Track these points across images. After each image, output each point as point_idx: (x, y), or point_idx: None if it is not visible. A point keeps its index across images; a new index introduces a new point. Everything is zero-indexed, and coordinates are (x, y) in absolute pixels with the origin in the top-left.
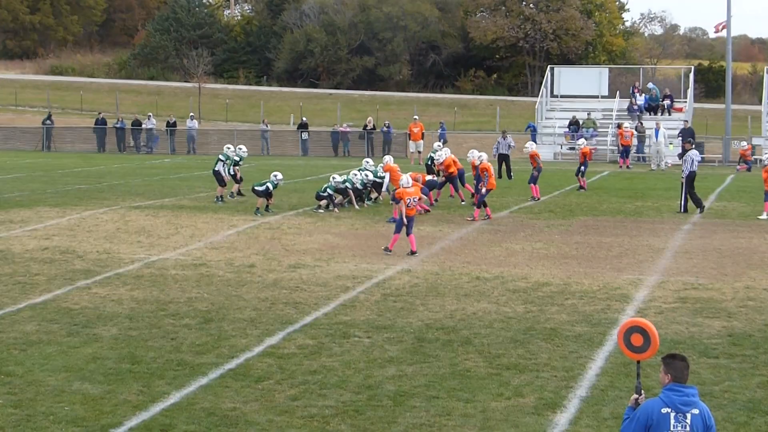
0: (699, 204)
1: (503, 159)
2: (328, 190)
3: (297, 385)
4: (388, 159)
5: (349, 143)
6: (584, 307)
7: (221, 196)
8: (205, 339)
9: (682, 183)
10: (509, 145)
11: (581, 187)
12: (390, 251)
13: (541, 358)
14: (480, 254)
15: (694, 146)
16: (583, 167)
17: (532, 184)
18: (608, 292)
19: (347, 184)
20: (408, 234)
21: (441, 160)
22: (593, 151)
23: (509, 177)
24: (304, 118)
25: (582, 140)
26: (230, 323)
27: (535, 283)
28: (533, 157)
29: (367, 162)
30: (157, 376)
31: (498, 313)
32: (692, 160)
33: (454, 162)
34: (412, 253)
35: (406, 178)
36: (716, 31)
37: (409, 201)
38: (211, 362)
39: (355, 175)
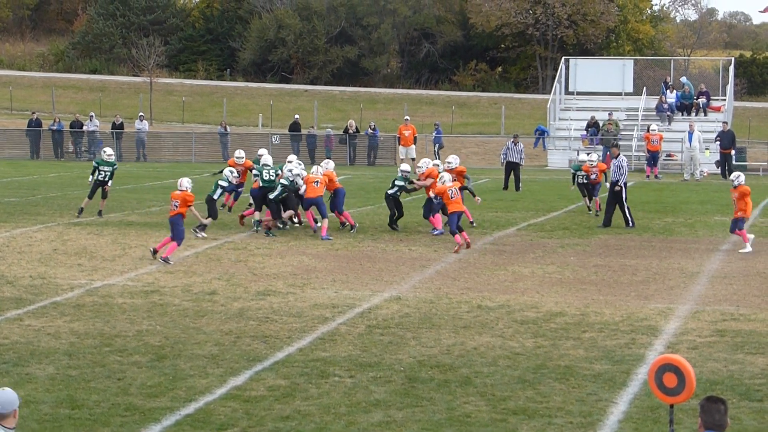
0: (608, 222)
1: (512, 168)
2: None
3: None
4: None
5: (332, 150)
6: (605, 341)
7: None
8: (158, 379)
9: (617, 194)
10: (520, 153)
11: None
12: (155, 252)
13: (554, 402)
14: (482, 279)
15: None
16: (598, 186)
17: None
18: (633, 323)
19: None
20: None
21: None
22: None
23: (517, 188)
24: (297, 116)
25: (595, 156)
26: (187, 361)
27: (547, 312)
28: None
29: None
30: (102, 423)
31: (503, 349)
32: (623, 168)
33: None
34: (154, 251)
35: (180, 181)
36: (763, 11)
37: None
38: (164, 407)
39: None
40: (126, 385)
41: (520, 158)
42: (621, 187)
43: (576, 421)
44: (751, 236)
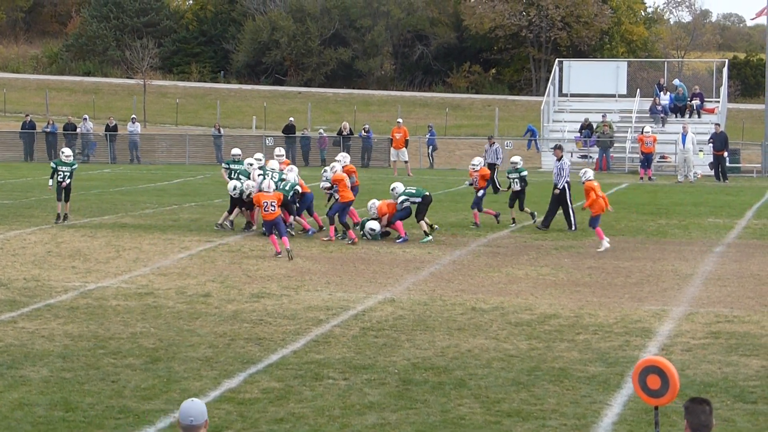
0: (547, 224)
1: (490, 169)
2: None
3: None
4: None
5: (326, 151)
6: (599, 343)
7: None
8: (152, 382)
9: (556, 195)
10: (496, 154)
11: (475, 224)
12: (279, 254)
13: (548, 404)
14: (476, 281)
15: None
16: (481, 193)
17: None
18: (627, 325)
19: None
20: (281, 236)
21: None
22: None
23: (495, 191)
24: (291, 119)
25: (479, 159)
26: (181, 363)
27: (541, 314)
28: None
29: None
30: (96, 426)
31: (497, 351)
32: (564, 170)
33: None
34: (277, 254)
35: (267, 183)
36: (756, 17)
37: (265, 204)
38: (159, 409)
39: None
40: (120, 388)
41: (497, 158)
42: (560, 189)
43: (570, 423)
44: (606, 242)
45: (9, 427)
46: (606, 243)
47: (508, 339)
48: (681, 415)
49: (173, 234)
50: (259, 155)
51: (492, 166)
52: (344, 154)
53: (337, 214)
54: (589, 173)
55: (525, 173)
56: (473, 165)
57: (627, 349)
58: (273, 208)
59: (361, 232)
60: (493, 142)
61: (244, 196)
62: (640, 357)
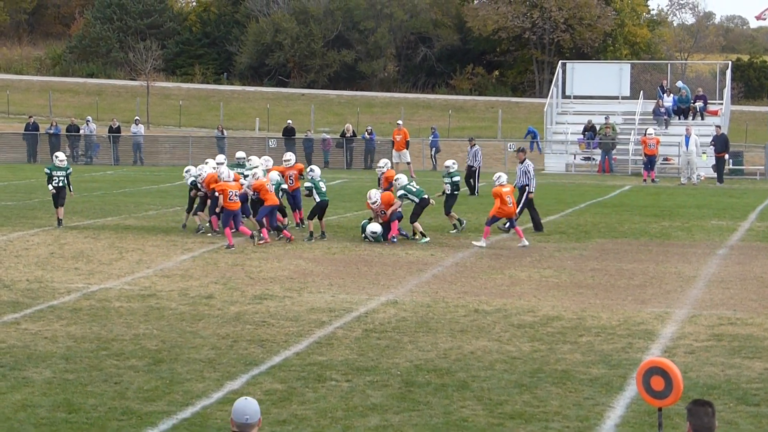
0: (539, 226)
1: (469, 172)
2: None
3: None
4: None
5: (329, 153)
6: (601, 345)
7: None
8: (155, 383)
9: (530, 199)
10: (475, 156)
11: (403, 235)
12: (231, 246)
13: (551, 406)
14: (479, 283)
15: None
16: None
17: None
18: (630, 327)
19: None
20: (237, 227)
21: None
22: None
23: (472, 192)
24: (289, 121)
25: (385, 161)
26: (184, 365)
27: (544, 317)
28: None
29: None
30: (98, 427)
31: (500, 353)
32: (530, 172)
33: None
34: (229, 246)
35: (226, 172)
36: (758, 19)
37: (231, 194)
38: (161, 411)
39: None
40: (123, 389)
41: (476, 161)
42: (533, 192)
43: (573, 426)
44: (483, 242)
45: (12, 428)
46: (484, 243)
47: (510, 341)
48: (683, 418)
49: (176, 236)
50: (221, 157)
51: (470, 169)
52: (267, 157)
53: (265, 218)
54: (503, 178)
55: (457, 178)
56: (379, 167)
57: (630, 352)
58: (237, 198)
59: (363, 235)
60: (474, 144)
61: (188, 183)
62: (643, 359)
